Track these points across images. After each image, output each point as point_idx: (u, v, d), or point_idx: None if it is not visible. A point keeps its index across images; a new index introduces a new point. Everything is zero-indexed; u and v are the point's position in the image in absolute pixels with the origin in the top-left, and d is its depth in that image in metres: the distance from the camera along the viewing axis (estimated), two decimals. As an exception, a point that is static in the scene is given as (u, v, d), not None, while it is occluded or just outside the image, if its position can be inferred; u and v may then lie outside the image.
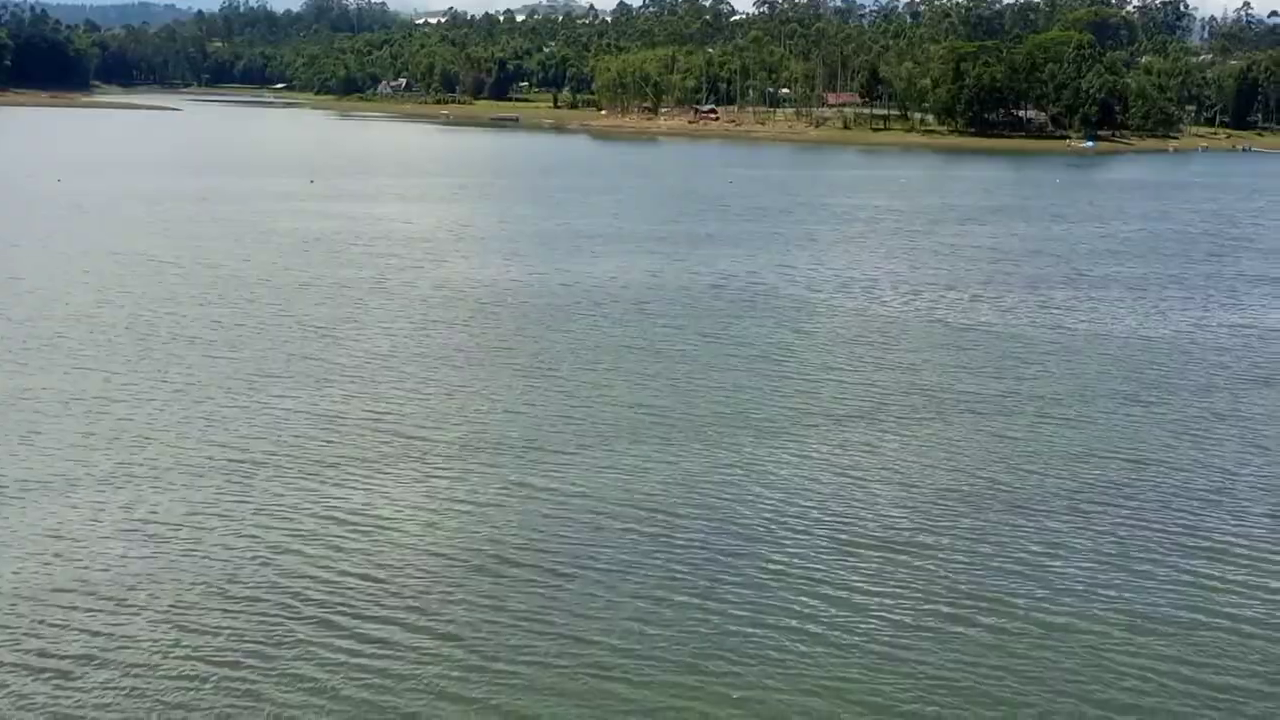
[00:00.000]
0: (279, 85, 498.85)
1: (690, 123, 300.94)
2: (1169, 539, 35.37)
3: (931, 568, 32.92)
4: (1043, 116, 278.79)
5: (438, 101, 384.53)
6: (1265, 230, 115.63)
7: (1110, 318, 69.41)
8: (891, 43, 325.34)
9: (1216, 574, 33.04)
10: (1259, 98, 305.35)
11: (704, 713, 25.79)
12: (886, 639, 28.98)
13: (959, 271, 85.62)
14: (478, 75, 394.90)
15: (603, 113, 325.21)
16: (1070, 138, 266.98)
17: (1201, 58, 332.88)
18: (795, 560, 33.16)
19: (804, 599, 30.88)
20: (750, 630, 29.18)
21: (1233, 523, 36.79)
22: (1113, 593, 31.69)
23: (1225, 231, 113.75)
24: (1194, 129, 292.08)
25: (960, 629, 29.53)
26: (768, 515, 36.40)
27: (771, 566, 32.74)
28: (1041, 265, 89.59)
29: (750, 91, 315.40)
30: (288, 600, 30.35)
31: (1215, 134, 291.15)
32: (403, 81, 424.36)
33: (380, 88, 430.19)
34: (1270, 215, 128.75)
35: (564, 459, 41.11)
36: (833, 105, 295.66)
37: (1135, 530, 35.94)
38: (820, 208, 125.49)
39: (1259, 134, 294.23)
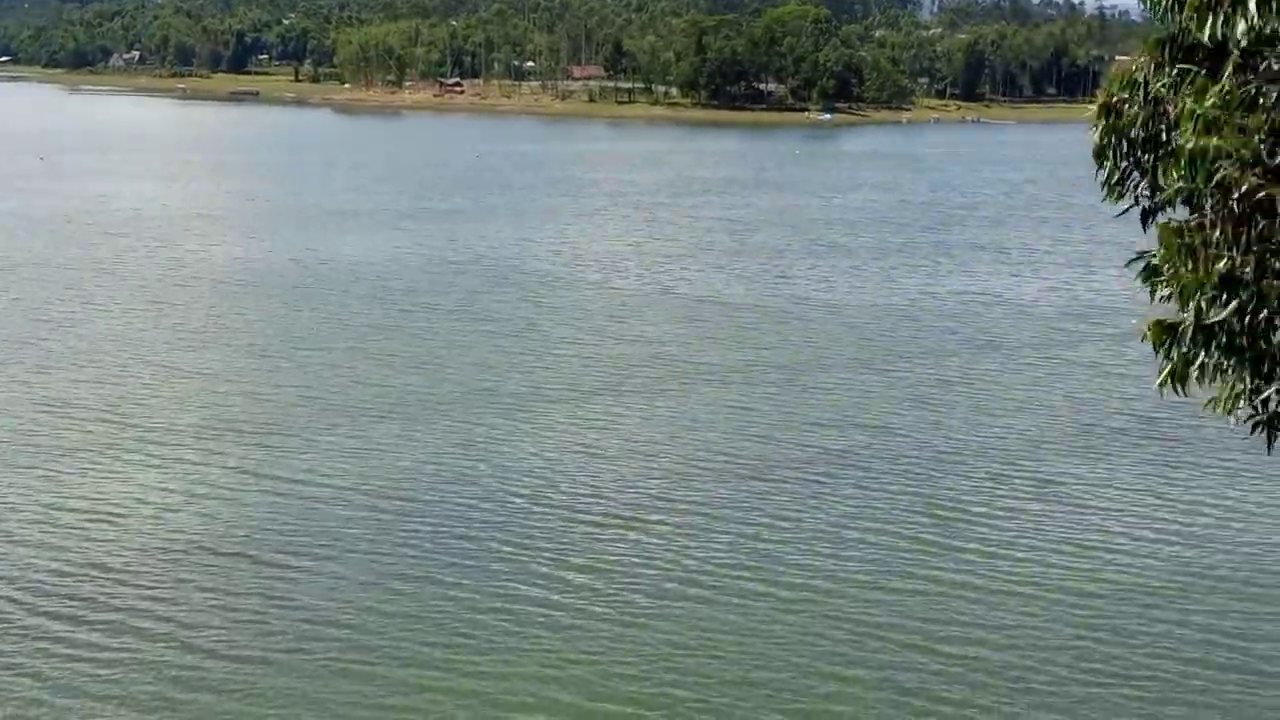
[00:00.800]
0: (3, 59, 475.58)
1: (435, 96, 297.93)
2: (903, 503, 36.61)
3: (674, 541, 33.52)
4: (783, 89, 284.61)
5: (173, 75, 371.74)
6: (990, 199, 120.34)
7: (845, 287, 71.46)
8: (635, 16, 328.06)
9: (947, 536, 34.23)
10: (986, 70, 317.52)
11: (449, 690, 25.96)
12: (625, 615, 29.38)
13: (699, 243, 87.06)
14: (214, 48, 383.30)
15: (346, 87, 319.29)
16: (809, 110, 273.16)
17: (932, 31, 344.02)
18: (537, 539, 33.44)
19: (545, 578, 31.14)
20: (490, 612, 29.32)
21: (964, 485, 38.23)
22: (851, 556, 32.65)
23: (953, 201, 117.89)
24: (926, 101, 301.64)
25: (696, 601, 30.12)
26: (511, 493, 36.61)
27: (514, 545, 32.95)
28: (779, 236, 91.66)
29: (495, 65, 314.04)
30: (12, 592, 29.40)
31: (946, 106, 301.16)
32: (136, 54, 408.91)
33: (112, 60, 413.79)
34: (995, 185, 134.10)
35: (304, 442, 40.63)
36: (578, 78, 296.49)
37: (870, 495, 37.15)
38: (566, 181, 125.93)
39: (986, 106, 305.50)
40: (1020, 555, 32.91)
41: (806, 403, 46.72)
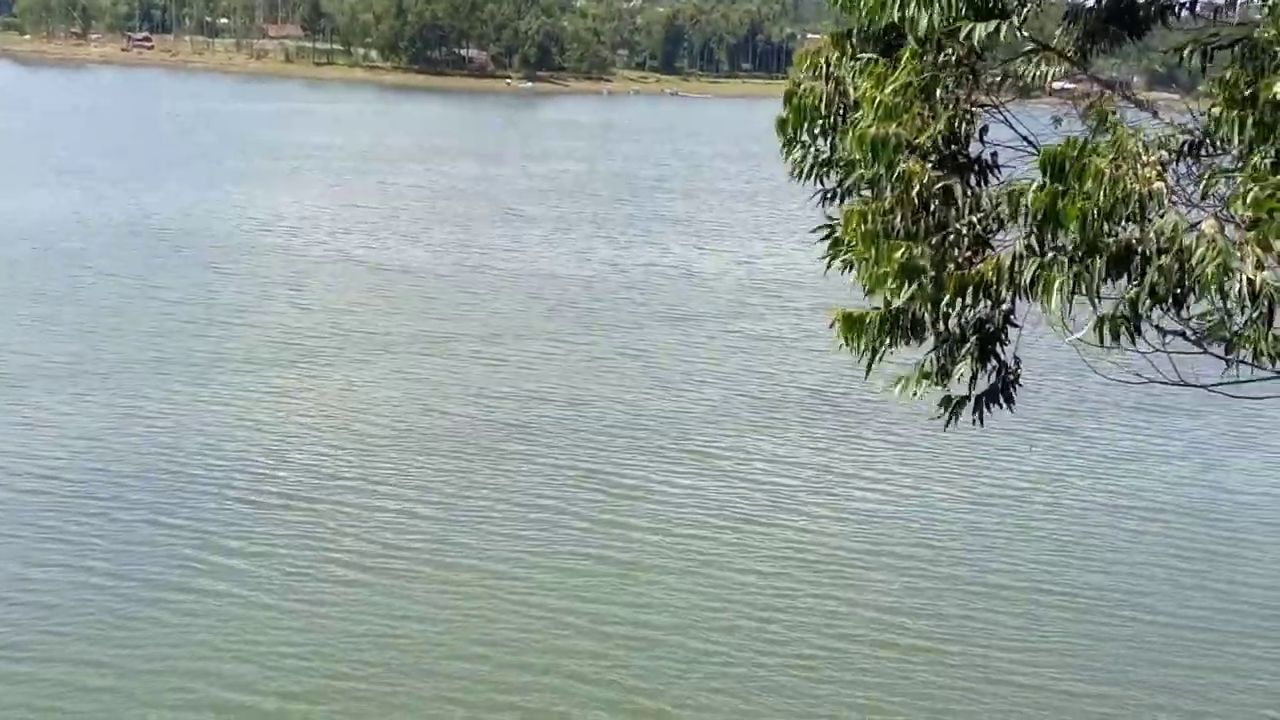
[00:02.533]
0: None
1: (123, 51, 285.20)
2: (578, 479, 36.14)
3: (342, 520, 32.37)
4: (484, 56, 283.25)
5: None
6: (682, 172, 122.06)
7: (533, 258, 70.92)
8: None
9: (622, 513, 33.84)
10: (685, 44, 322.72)
11: (86, 689, 24.25)
12: (286, 602, 28.14)
13: (390, 211, 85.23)
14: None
15: (25, 37, 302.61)
16: (510, 78, 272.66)
17: (632, 4, 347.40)
18: (194, 520, 31.79)
19: (201, 563, 29.56)
20: (138, 602, 27.67)
21: (641, 460, 37.97)
22: (524, 535, 32.01)
23: (647, 173, 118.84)
24: (626, 72, 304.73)
25: (363, 586, 29.07)
26: (169, 471, 34.73)
27: (167, 528, 31.22)
28: (472, 205, 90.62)
29: (187, 20, 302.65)
30: None
31: (646, 78, 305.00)
32: None
33: None
34: (688, 158, 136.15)
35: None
36: (274, 38, 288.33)
37: (546, 470, 36.57)
38: (256, 143, 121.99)
39: (685, 79, 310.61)
40: (692, 531, 32.74)
41: (486, 375, 46.04)
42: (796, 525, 33.62)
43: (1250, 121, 11.48)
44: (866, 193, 13.28)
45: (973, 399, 13.23)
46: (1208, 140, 12.13)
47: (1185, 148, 12.62)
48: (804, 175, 13.99)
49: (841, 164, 13.57)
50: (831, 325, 13.55)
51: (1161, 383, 14.39)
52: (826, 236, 13.64)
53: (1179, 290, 11.04)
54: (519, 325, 54.39)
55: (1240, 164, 11.58)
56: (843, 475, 37.63)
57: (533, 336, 52.43)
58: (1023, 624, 28.42)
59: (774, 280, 67.32)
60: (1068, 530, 33.62)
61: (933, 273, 12.16)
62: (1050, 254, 11.67)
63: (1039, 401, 43.37)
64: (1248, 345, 10.86)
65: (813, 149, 13.85)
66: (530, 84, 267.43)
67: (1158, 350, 13.24)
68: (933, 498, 35.83)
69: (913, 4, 12.28)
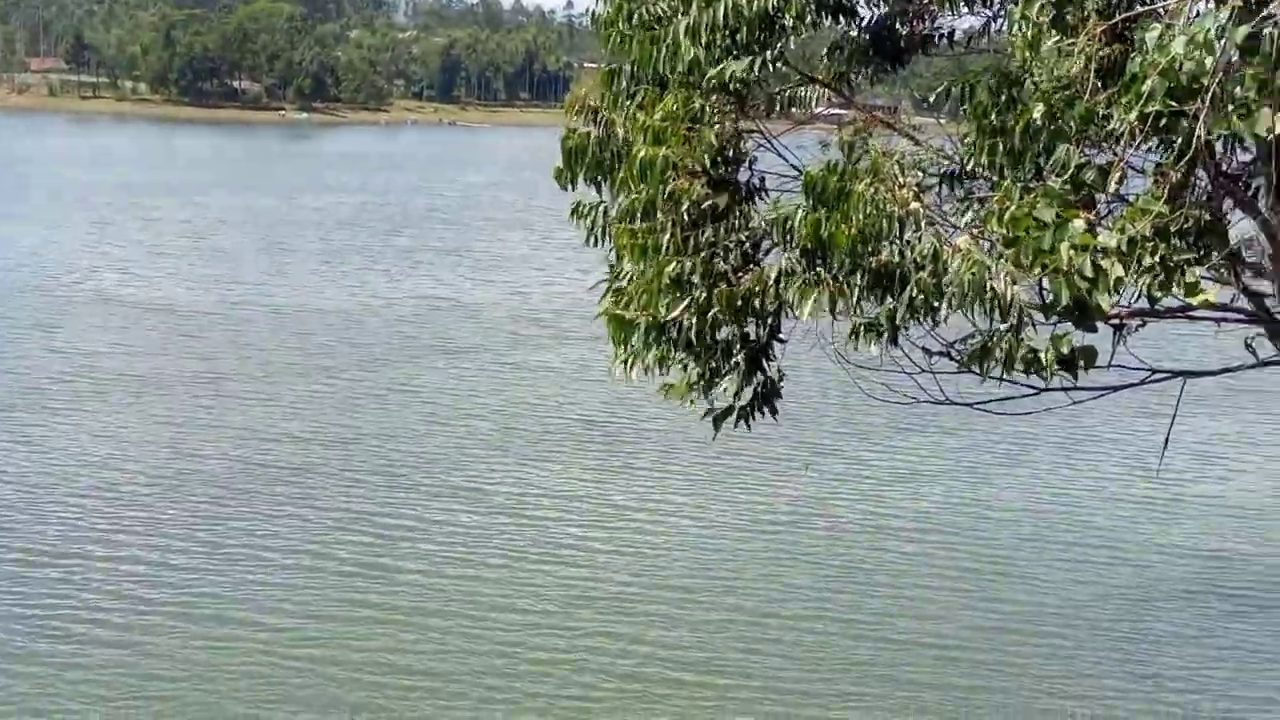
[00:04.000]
0: None
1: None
2: (339, 520, 34.69)
3: (76, 571, 30.44)
4: (258, 87, 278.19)
5: None
6: (458, 202, 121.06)
7: (304, 291, 68.88)
8: (97, 7, 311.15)
9: (385, 556, 32.55)
10: (462, 74, 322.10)
11: None
12: (35, 658, 26.15)
13: (154, 247, 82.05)
14: None
15: None
16: (285, 109, 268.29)
17: (408, 34, 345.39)
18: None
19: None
20: None
21: (409, 498, 36.72)
22: (277, 582, 30.49)
23: (421, 203, 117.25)
24: (403, 103, 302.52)
25: (107, 634, 27.33)
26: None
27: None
28: (241, 238, 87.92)
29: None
30: None
31: (423, 108, 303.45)
32: None
33: None
34: (465, 188, 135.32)
35: None
36: (36, 71, 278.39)
37: (305, 513, 35.07)
38: (12, 179, 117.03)
39: (463, 109, 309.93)
40: (468, 572, 31.64)
41: (250, 416, 44.10)
42: (575, 560, 32.77)
43: (1002, 148, 11.73)
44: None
45: (736, 409, 13.41)
46: (964, 165, 12.37)
47: (946, 172, 12.87)
48: (599, 241, 14.38)
49: (619, 193, 13.74)
50: (597, 318, 13.55)
51: (928, 402, 14.61)
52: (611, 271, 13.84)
53: (935, 304, 11.22)
54: (285, 363, 52.60)
55: (994, 188, 11.80)
56: (621, 507, 36.89)
57: (300, 374, 50.73)
58: (804, 653, 28.05)
59: (550, 310, 66.67)
60: (843, 554, 33.50)
61: (703, 287, 12.28)
62: (814, 273, 11.86)
63: (812, 425, 43.78)
64: (1000, 356, 10.95)
65: (600, 208, 14.19)
66: (305, 115, 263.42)
67: (924, 370, 13.49)
68: (711, 526, 35.37)
69: (679, 42, 12.54)
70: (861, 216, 11.34)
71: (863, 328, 11.98)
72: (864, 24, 13.87)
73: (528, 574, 31.80)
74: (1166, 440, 20.06)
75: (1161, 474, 36.53)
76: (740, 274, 12.39)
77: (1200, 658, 28.26)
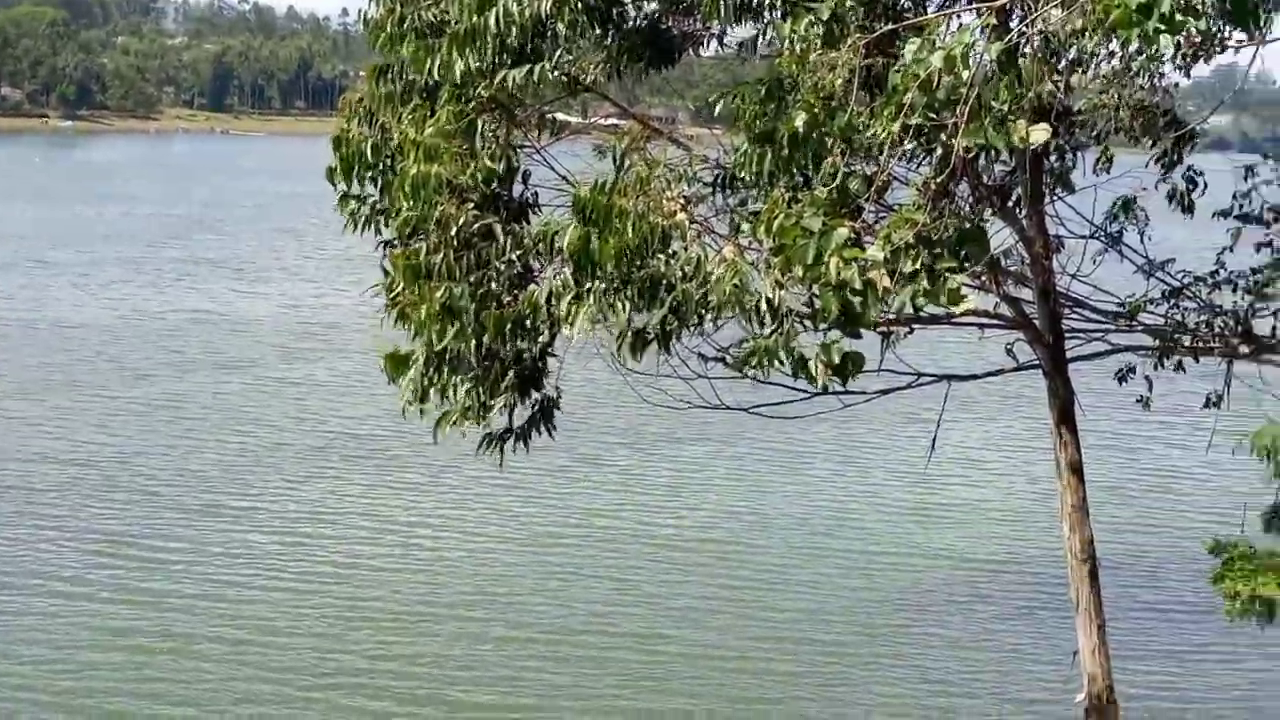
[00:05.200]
0: None
1: None
2: (97, 543, 33.23)
3: None
4: (19, 94, 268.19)
5: None
6: (228, 211, 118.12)
7: (60, 305, 66.30)
8: None
9: (153, 579, 31.36)
10: (234, 81, 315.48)
11: None
12: None
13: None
14: None
15: None
16: (49, 117, 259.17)
17: (177, 40, 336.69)
18: None
19: None
20: None
21: (176, 519, 35.42)
22: (34, 611, 28.99)
23: (190, 213, 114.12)
24: (174, 111, 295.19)
25: None
26: None
27: None
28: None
29: None
30: None
31: (195, 116, 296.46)
32: None
33: None
34: (237, 197, 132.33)
35: None
36: None
37: (53, 536, 33.46)
38: None
39: (236, 117, 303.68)
40: (236, 595, 30.58)
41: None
42: (350, 580, 31.96)
43: (769, 156, 11.95)
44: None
45: (514, 433, 13.42)
46: (736, 174, 12.58)
47: (716, 180, 13.08)
48: (359, 227, 14.35)
49: (394, 211, 13.72)
50: (382, 368, 13.61)
51: (703, 407, 14.80)
52: (387, 286, 13.82)
53: (701, 311, 11.44)
54: (42, 379, 50.44)
55: (763, 196, 12.02)
56: (396, 524, 36.20)
57: (57, 391, 48.66)
58: (583, 667, 27.84)
59: (323, 323, 65.36)
60: (621, 566, 33.44)
61: (474, 312, 12.34)
62: (586, 288, 11.96)
63: (589, 435, 43.88)
64: (766, 359, 11.15)
65: (367, 202, 14.15)
66: (70, 123, 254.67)
67: (700, 376, 13.68)
68: (487, 541, 35.00)
69: (451, 51, 12.51)
70: (629, 230, 11.45)
71: (631, 336, 12.09)
72: (635, 23, 13.96)
73: (302, 594, 30.97)
74: (933, 444, 20.58)
75: (928, 479, 37.55)
76: (513, 294, 12.40)
77: (970, 660, 29.07)
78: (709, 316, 11.43)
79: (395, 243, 13.42)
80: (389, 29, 13.26)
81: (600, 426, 45.35)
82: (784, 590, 32.54)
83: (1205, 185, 15.74)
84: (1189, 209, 15.59)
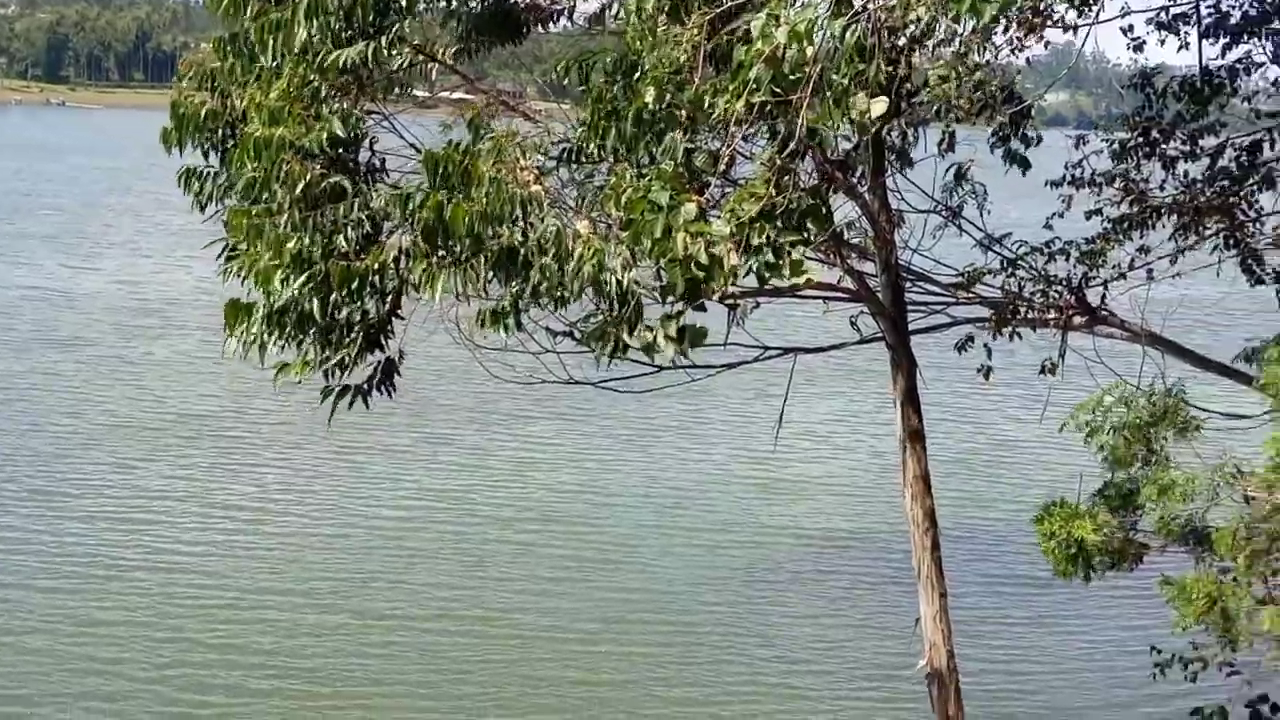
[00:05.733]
0: None
1: None
2: None
3: None
4: None
5: None
6: (62, 186, 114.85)
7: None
8: None
9: None
10: (70, 52, 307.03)
11: None
12: None
13: None
14: None
15: None
16: None
17: (9, 9, 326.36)
18: None
19: None
20: None
21: None
22: None
23: (21, 187, 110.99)
24: (6, 82, 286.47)
25: None
26: None
27: None
28: None
29: None
30: None
31: (28, 87, 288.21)
32: None
33: None
34: (69, 170, 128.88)
35: None
36: None
37: None
38: None
39: (72, 89, 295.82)
40: (56, 584, 29.51)
41: None
42: (186, 566, 31.23)
43: (617, 132, 12.02)
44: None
45: (354, 389, 13.37)
46: (584, 148, 12.63)
47: (565, 154, 13.12)
48: (203, 207, 14.16)
49: (236, 173, 13.50)
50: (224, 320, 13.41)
51: (552, 382, 14.83)
52: (224, 251, 13.66)
53: (559, 288, 11.46)
54: None
55: (612, 171, 12.09)
56: (236, 507, 35.57)
57: None
58: (427, 654, 27.59)
59: (159, 300, 63.82)
60: (466, 547, 33.31)
61: (323, 265, 12.23)
62: (439, 254, 11.94)
63: (434, 411, 43.64)
64: (612, 338, 11.29)
65: (209, 177, 13.97)
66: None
67: (548, 350, 13.71)
68: (329, 524, 34.62)
69: (295, 23, 12.41)
70: (484, 197, 11.45)
71: (489, 314, 12.11)
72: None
73: (134, 583, 30.16)
74: (780, 418, 20.93)
75: (776, 454, 38.03)
76: (361, 252, 12.33)
77: (818, 634, 29.59)
78: (567, 296, 11.48)
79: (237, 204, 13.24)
80: (231, -2, 13.05)
81: (446, 403, 45.14)
82: (632, 569, 32.74)
83: (1040, 138, 16.17)
84: (1024, 164, 16.00)
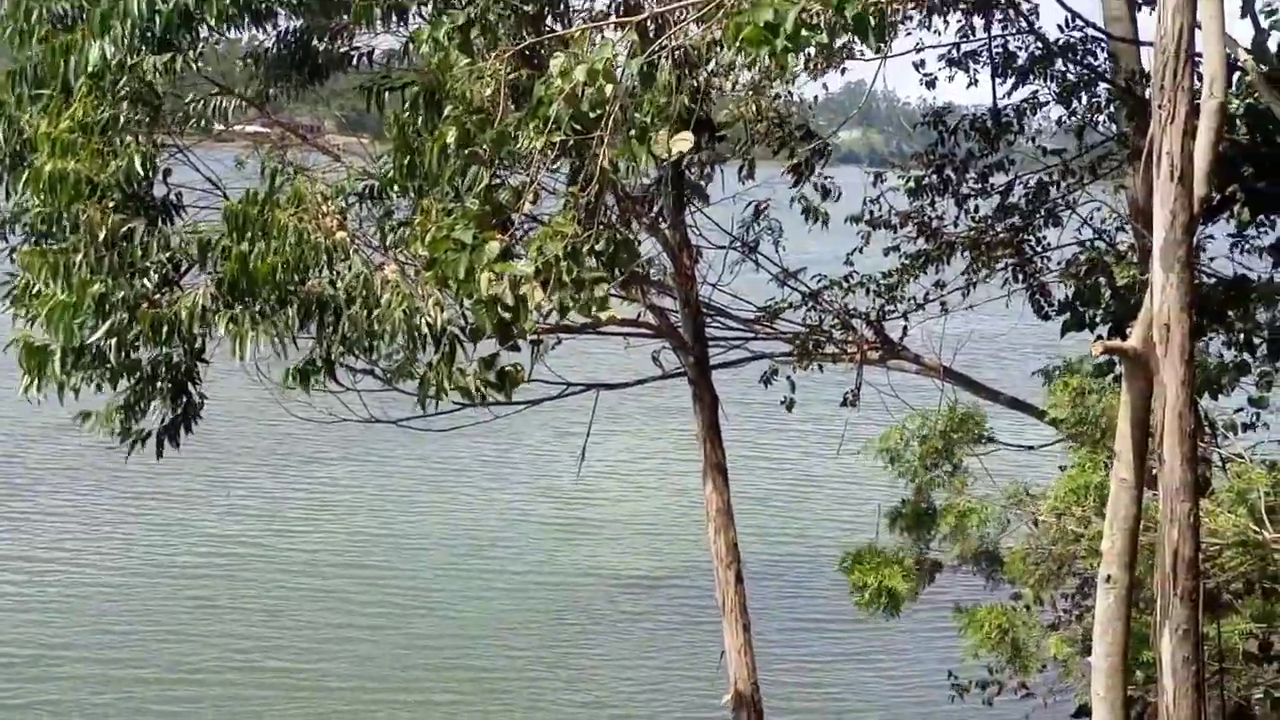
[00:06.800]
0: None
1: None
2: None
3: None
4: None
5: None
6: None
7: None
8: None
9: None
10: None
11: None
12: None
13: None
14: None
15: None
16: None
17: None
18: None
19: None
20: None
21: None
22: None
23: None
24: None
25: None
26: None
27: None
28: None
29: None
30: None
31: None
32: None
33: None
34: None
35: None
36: None
37: None
38: None
39: None
40: None
41: None
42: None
43: (420, 169, 12.11)
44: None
45: (155, 432, 13.24)
46: (386, 186, 12.70)
47: (368, 192, 13.15)
48: None
49: (22, 211, 13.27)
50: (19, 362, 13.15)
51: (354, 420, 14.86)
52: (9, 292, 13.41)
53: (370, 336, 11.52)
54: None
55: (415, 209, 12.21)
56: (17, 557, 34.52)
57: None
58: (222, 708, 27.24)
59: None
60: (260, 597, 32.76)
61: (123, 311, 12.08)
62: (241, 306, 11.87)
63: (232, 452, 42.75)
64: (432, 383, 11.46)
65: None
66: None
67: (349, 389, 13.73)
68: (118, 573, 33.90)
69: (86, 38, 12.25)
70: (287, 247, 11.46)
71: (297, 372, 12.11)
72: (283, 35, 13.99)
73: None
74: (583, 454, 21.19)
75: (580, 493, 38.21)
76: (161, 294, 12.24)
77: (626, 673, 29.80)
78: (379, 344, 11.56)
79: (28, 241, 13.02)
80: (18, 20, 12.83)
81: (241, 445, 44.21)
82: (433, 616, 32.50)
83: (840, 193, 16.86)
84: (823, 221, 16.65)
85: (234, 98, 13.78)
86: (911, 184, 20.31)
